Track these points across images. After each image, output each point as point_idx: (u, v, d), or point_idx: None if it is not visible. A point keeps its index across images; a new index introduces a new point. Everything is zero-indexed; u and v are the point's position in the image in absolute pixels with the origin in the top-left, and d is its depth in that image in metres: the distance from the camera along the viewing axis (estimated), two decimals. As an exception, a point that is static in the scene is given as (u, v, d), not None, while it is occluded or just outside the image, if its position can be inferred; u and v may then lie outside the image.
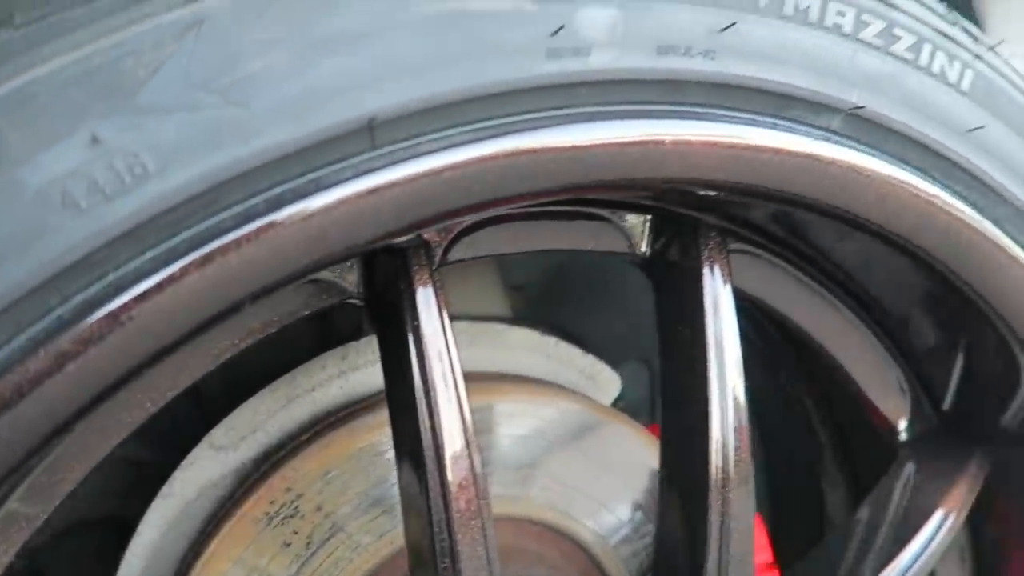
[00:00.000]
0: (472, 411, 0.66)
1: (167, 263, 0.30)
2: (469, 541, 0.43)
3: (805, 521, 0.81)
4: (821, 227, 0.54)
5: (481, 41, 0.34)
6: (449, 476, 0.43)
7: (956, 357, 0.62)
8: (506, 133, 0.36)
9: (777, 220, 0.54)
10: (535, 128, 0.37)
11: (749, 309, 0.76)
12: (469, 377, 0.69)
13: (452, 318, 0.75)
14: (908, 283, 0.58)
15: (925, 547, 0.55)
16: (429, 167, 0.35)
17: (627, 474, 0.71)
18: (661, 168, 0.40)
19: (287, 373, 0.65)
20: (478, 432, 0.67)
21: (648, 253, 0.52)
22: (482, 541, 0.43)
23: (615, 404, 0.80)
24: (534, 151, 0.36)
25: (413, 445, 0.44)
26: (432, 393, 0.42)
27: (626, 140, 0.38)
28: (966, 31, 0.47)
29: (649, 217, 0.52)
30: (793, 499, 0.82)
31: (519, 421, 0.68)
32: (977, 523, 0.65)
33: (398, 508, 0.50)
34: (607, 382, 0.78)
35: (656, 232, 0.52)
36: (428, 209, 0.36)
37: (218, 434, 0.62)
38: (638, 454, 0.70)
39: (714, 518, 0.48)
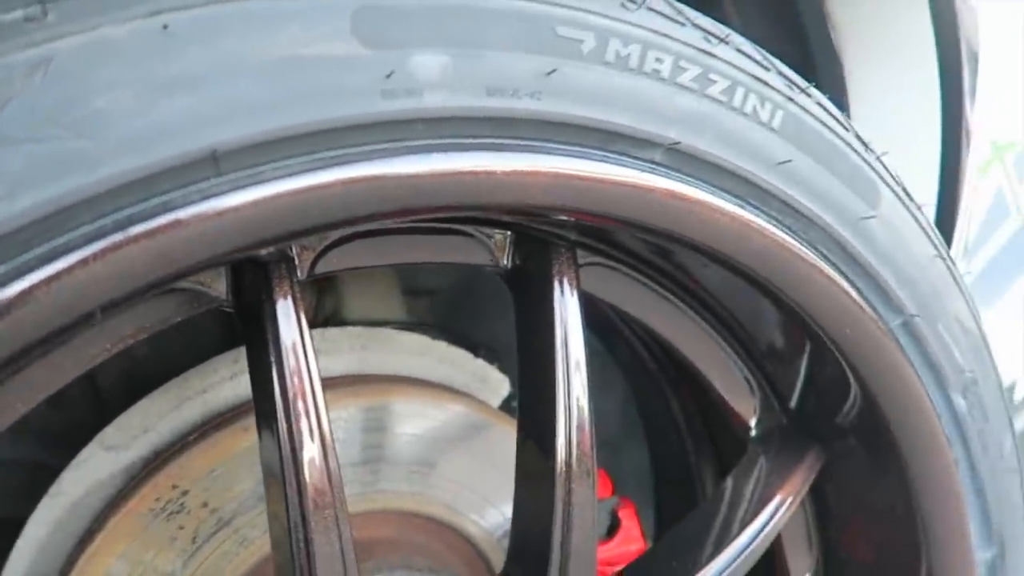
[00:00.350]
0: (365, 410, 0.70)
1: (15, 279, 0.34)
2: (324, 538, 0.47)
3: (684, 511, 0.87)
4: (672, 245, 0.60)
5: (317, 82, 0.39)
6: (306, 477, 0.46)
7: (800, 364, 0.68)
8: (346, 163, 0.40)
9: (630, 237, 0.60)
10: (373, 159, 0.41)
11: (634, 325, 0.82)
12: (363, 379, 0.73)
13: (347, 323, 0.79)
14: (753, 298, 0.64)
15: (763, 528, 0.62)
16: (272, 192, 0.39)
17: (511, 472, 0.76)
18: (494, 195, 0.45)
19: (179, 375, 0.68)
20: (371, 430, 0.71)
21: (509, 266, 0.57)
22: (336, 537, 0.47)
23: (509, 402, 0.85)
24: (371, 179, 0.41)
25: (273, 448, 0.47)
26: (289, 399, 0.46)
27: (459, 170, 0.43)
28: (781, 75, 0.53)
29: (510, 233, 0.57)
30: (673, 491, 0.88)
31: (411, 421, 0.73)
32: (821, 510, 0.72)
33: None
34: (497, 384, 0.83)
35: (516, 247, 0.57)
36: (273, 230, 0.40)
37: (109, 434, 0.65)
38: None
39: (559, 507, 0.53)
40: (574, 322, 0.55)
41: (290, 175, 0.39)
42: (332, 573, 0.48)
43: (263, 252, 0.45)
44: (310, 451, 0.48)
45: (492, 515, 0.77)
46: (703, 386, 0.70)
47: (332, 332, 0.74)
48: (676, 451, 0.81)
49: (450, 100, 0.42)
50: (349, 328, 0.76)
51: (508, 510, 0.77)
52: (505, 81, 0.43)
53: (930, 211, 0.95)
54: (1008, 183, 1.40)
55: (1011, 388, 1.61)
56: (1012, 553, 0.69)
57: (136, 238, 0.36)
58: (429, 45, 0.41)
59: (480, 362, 0.81)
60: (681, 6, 0.49)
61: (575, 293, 0.55)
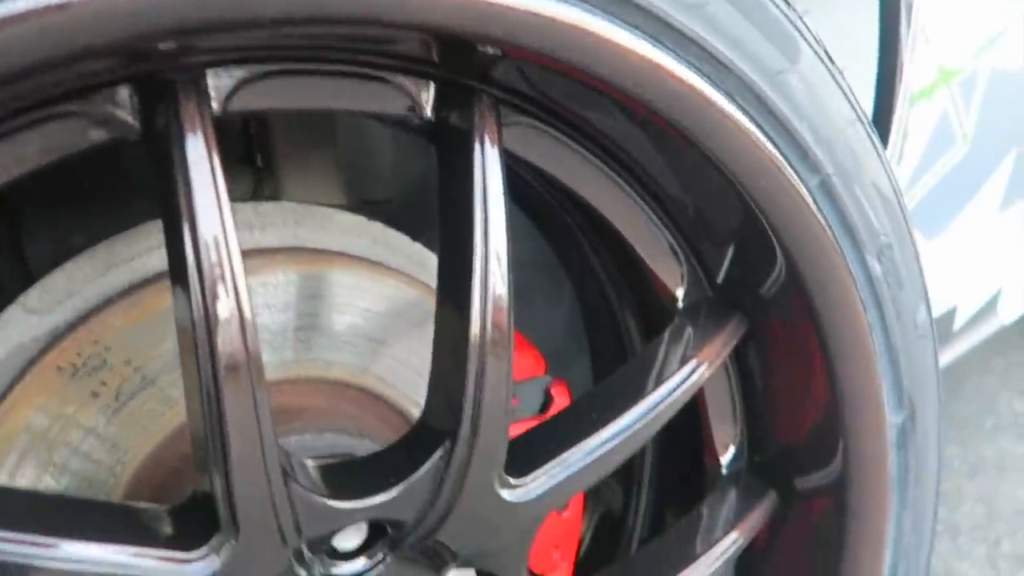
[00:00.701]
0: (300, 277, 0.70)
1: None
2: (236, 399, 0.47)
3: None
4: (595, 103, 0.60)
5: None
6: (217, 332, 0.46)
7: (730, 242, 0.70)
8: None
9: (552, 94, 0.60)
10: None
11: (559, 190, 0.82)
12: (298, 250, 0.73)
13: (278, 199, 0.78)
14: (686, 172, 0.65)
15: (680, 384, 0.63)
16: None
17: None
18: (401, 13, 0.44)
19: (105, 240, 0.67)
20: (305, 298, 0.71)
21: (432, 119, 0.57)
22: (251, 400, 0.47)
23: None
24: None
25: (184, 296, 0.47)
26: (199, 237, 0.46)
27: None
28: (700, -80, 0.53)
29: (432, 84, 0.56)
30: (608, 360, 0.89)
31: (346, 293, 0.72)
32: (745, 381, 0.75)
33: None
34: (435, 268, 0.83)
35: (439, 100, 0.57)
36: (161, 22, 0.39)
37: (32, 296, 0.64)
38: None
39: (471, 376, 0.53)
40: (494, 177, 0.55)
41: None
42: (245, 435, 0.48)
43: (164, 54, 0.44)
44: (223, 302, 0.47)
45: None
46: (631, 257, 0.71)
47: (265, 206, 0.73)
48: (608, 325, 0.83)
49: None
50: (283, 203, 0.75)
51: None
52: None
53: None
54: (954, 109, 1.41)
55: (951, 313, 1.65)
56: (922, 417, 0.72)
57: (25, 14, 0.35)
58: None
59: (418, 246, 0.81)
60: None
61: (496, 148, 0.55)
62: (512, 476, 0.57)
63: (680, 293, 0.71)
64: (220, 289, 0.47)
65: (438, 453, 0.55)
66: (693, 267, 0.72)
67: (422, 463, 0.55)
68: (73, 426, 0.61)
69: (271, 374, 0.68)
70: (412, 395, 0.77)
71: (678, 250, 0.71)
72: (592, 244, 0.81)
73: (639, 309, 0.80)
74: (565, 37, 0.48)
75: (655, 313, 0.76)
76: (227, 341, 0.47)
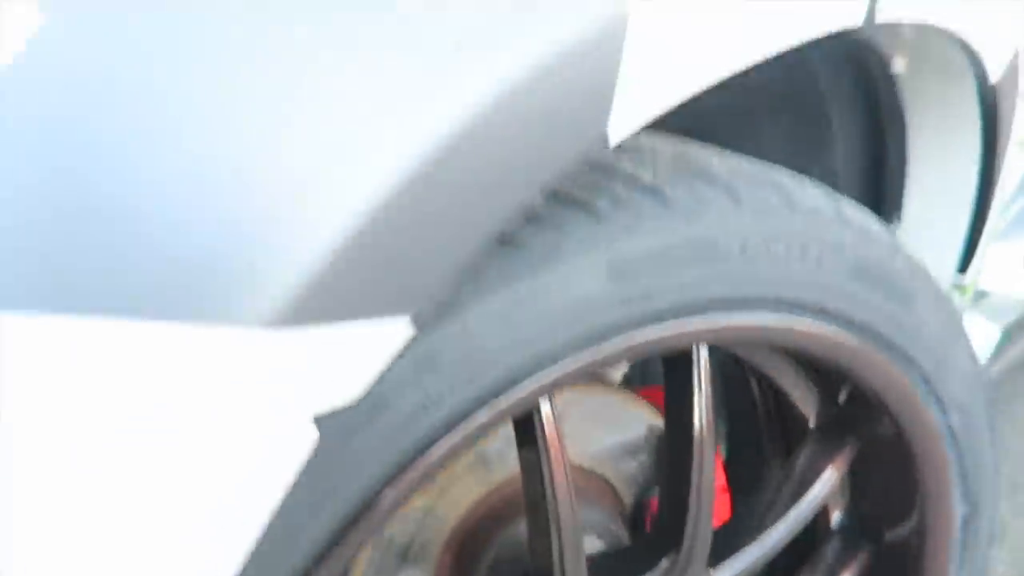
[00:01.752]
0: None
1: None
2: None
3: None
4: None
5: None
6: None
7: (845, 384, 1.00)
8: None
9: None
10: None
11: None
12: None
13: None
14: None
15: (814, 500, 0.96)
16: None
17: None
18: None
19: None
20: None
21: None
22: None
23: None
24: None
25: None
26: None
27: None
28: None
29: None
30: (745, 467, 1.22)
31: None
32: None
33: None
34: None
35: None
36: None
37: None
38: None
39: (694, 498, 0.87)
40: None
41: None
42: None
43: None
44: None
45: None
46: (780, 396, 1.02)
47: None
48: (750, 436, 1.14)
49: None
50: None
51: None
52: None
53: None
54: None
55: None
56: (983, 509, 1.03)
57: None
58: None
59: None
60: None
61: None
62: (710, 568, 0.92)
63: (812, 420, 1.02)
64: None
65: (670, 554, 0.89)
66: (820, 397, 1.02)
67: (657, 563, 0.90)
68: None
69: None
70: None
71: (815, 394, 1.01)
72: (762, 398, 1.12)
73: (780, 427, 1.11)
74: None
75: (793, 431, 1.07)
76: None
